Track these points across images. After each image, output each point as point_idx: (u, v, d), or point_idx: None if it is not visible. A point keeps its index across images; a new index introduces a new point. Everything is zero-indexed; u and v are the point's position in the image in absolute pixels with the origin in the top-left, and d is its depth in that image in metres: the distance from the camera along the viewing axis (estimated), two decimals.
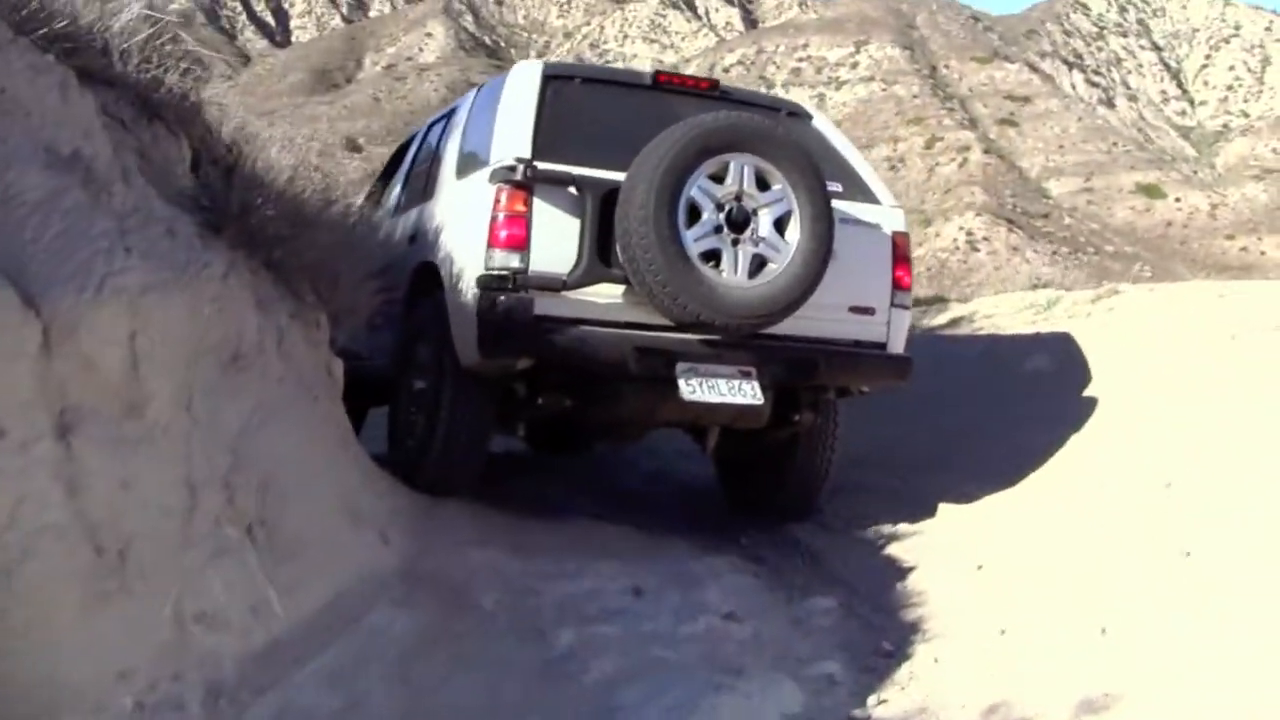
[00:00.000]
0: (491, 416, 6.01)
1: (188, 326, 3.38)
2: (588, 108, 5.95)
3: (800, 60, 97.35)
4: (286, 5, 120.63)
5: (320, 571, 4.00)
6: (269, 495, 3.77)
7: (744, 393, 5.57)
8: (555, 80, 5.93)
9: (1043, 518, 5.66)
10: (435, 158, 6.94)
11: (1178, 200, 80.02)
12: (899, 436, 7.97)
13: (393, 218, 7.29)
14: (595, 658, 4.22)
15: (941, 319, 12.00)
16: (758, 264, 5.47)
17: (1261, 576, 4.08)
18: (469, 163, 6.15)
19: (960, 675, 4.17)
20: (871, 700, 4.11)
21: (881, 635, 4.73)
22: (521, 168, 5.39)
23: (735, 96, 6.44)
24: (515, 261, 5.35)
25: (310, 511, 4.09)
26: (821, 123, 6.60)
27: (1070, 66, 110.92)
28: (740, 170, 5.46)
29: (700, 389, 5.50)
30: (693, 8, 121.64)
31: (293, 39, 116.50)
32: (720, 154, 5.43)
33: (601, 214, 5.42)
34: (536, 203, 5.41)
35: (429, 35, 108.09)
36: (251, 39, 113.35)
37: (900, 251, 6.14)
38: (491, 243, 5.38)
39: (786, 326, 5.65)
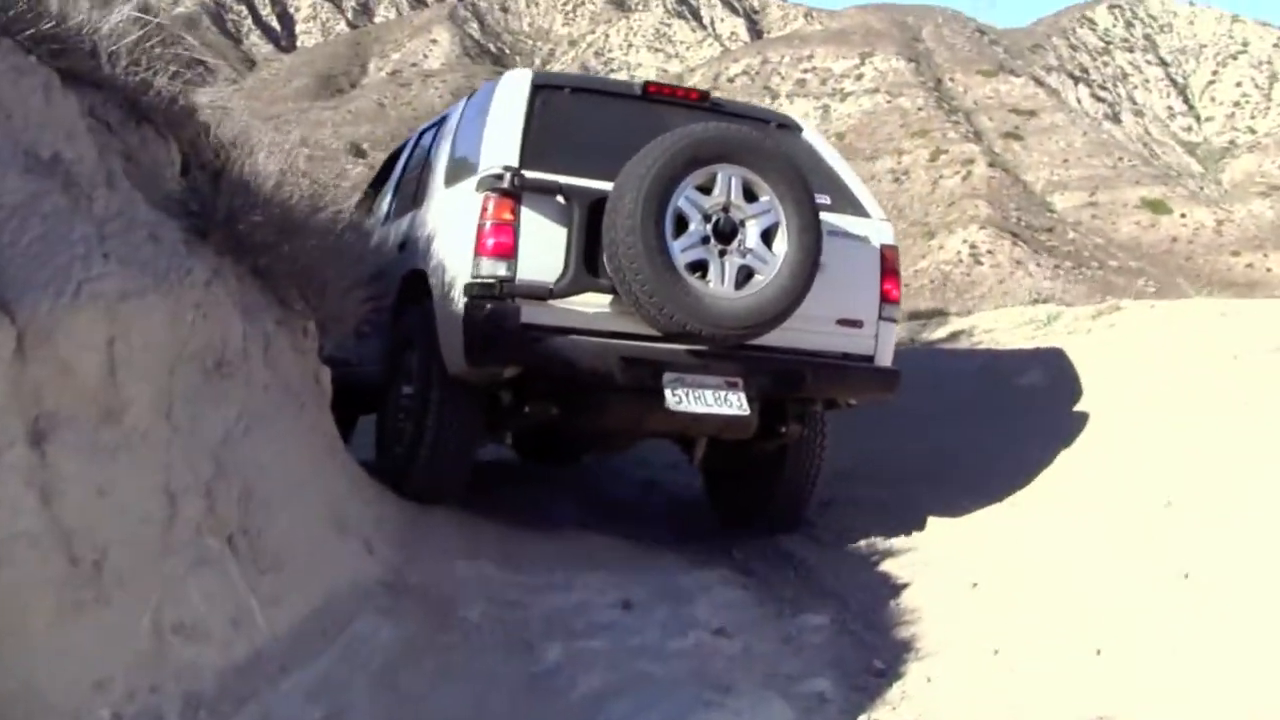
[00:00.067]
0: (479, 424, 6.03)
1: (169, 333, 3.33)
2: (577, 117, 5.98)
3: (805, 71, 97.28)
4: (292, 10, 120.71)
5: (304, 581, 3.95)
6: (252, 504, 3.72)
7: (730, 403, 5.60)
8: (544, 90, 5.97)
9: (1040, 535, 5.62)
10: (425, 165, 6.96)
11: (1183, 216, 79.85)
12: (895, 451, 7.94)
13: (383, 225, 7.32)
14: (583, 672, 4.17)
15: (940, 333, 11.96)
16: (745, 275, 5.50)
17: (1262, 599, 4.05)
18: (458, 171, 6.16)
19: (953, 695, 4.12)
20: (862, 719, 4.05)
21: (873, 653, 4.67)
22: (509, 176, 5.41)
23: (725, 108, 6.47)
24: (502, 270, 5.37)
25: (294, 520, 4.04)
26: (812, 135, 6.62)
27: (1076, 81, 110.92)
28: (728, 181, 5.49)
29: (686, 399, 5.52)
30: (698, 17, 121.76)
31: (298, 44, 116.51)
32: (708, 165, 5.46)
33: (589, 223, 5.45)
34: (524, 211, 5.43)
35: (434, 41, 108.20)
36: (257, 43, 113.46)
37: (889, 264, 6.16)
38: (479, 251, 5.40)
39: (774, 338, 5.67)
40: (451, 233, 5.77)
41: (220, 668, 3.32)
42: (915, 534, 6.27)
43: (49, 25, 3.48)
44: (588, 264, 5.46)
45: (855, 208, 6.23)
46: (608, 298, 5.50)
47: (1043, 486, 6.44)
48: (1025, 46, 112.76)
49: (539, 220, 5.45)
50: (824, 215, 5.73)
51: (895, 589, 5.45)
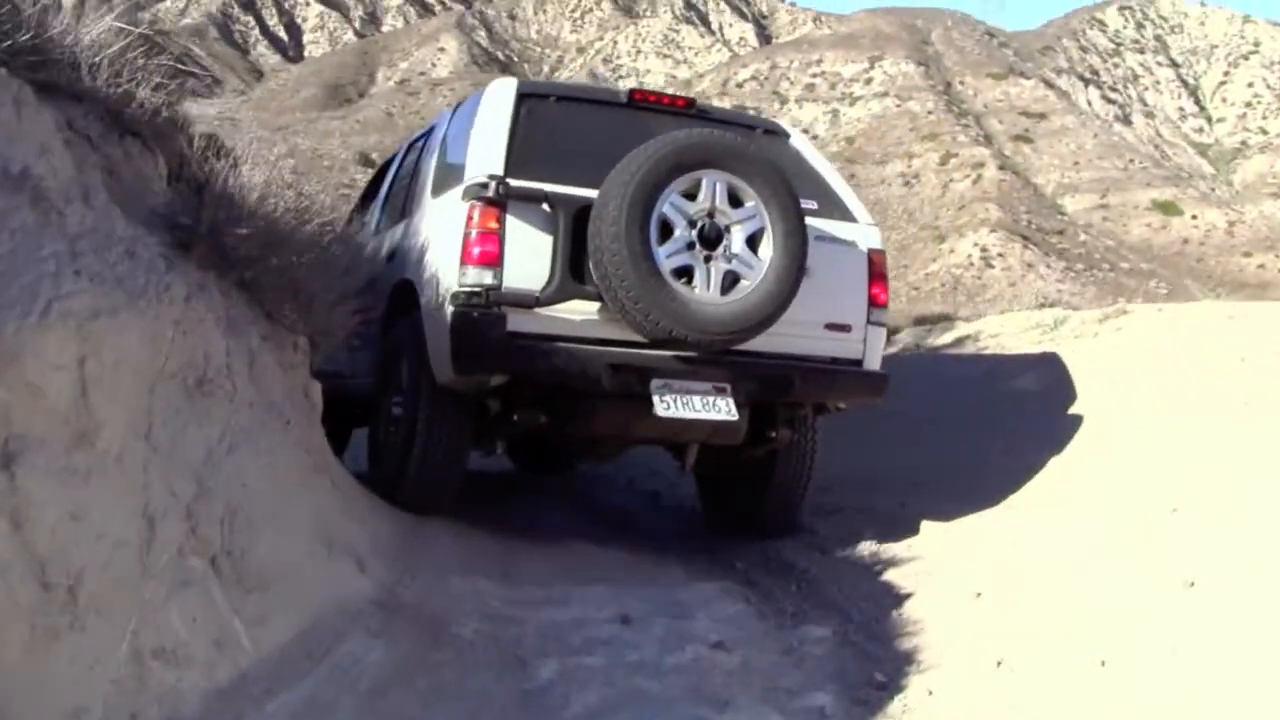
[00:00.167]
0: (468, 433, 6.03)
1: (146, 351, 3.27)
2: (562, 125, 6.00)
3: (814, 76, 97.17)
4: (299, 20, 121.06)
5: (291, 602, 3.89)
6: (236, 523, 3.66)
7: (718, 409, 5.61)
8: (529, 98, 6.00)
9: (1044, 543, 5.56)
10: (413, 176, 7.00)
11: (1194, 217, 79.54)
12: (900, 457, 7.90)
13: (373, 236, 7.33)
14: (577, 689, 4.10)
15: (946, 338, 11.93)
16: (730, 280, 5.51)
17: (1269, 609, 3.97)
18: (444, 181, 6.18)
19: (954, 709, 4.05)
20: None
21: (875, 665, 4.60)
22: (494, 184, 5.42)
23: (712, 115, 6.51)
24: (488, 278, 5.38)
25: (281, 540, 3.98)
26: (799, 141, 6.65)
27: (1086, 83, 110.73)
28: (712, 187, 5.49)
29: (675, 405, 5.53)
30: (706, 23, 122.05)
31: (305, 54, 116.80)
32: (692, 171, 5.46)
33: (575, 231, 5.46)
34: (509, 220, 5.44)
35: (442, 50, 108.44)
36: (264, 54, 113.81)
37: (876, 269, 6.18)
38: (465, 259, 5.41)
39: (761, 343, 5.67)
40: (438, 242, 5.78)
41: (203, 691, 3.27)
42: (919, 542, 6.21)
43: (26, 37, 3.42)
44: (574, 271, 5.46)
45: (842, 212, 6.26)
46: (594, 305, 5.50)
47: (1047, 493, 6.41)
48: (1035, 49, 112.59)
49: (524, 228, 5.46)
50: (811, 220, 5.76)
51: (898, 599, 5.39)
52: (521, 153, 5.66)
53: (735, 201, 5.52)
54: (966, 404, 8.64)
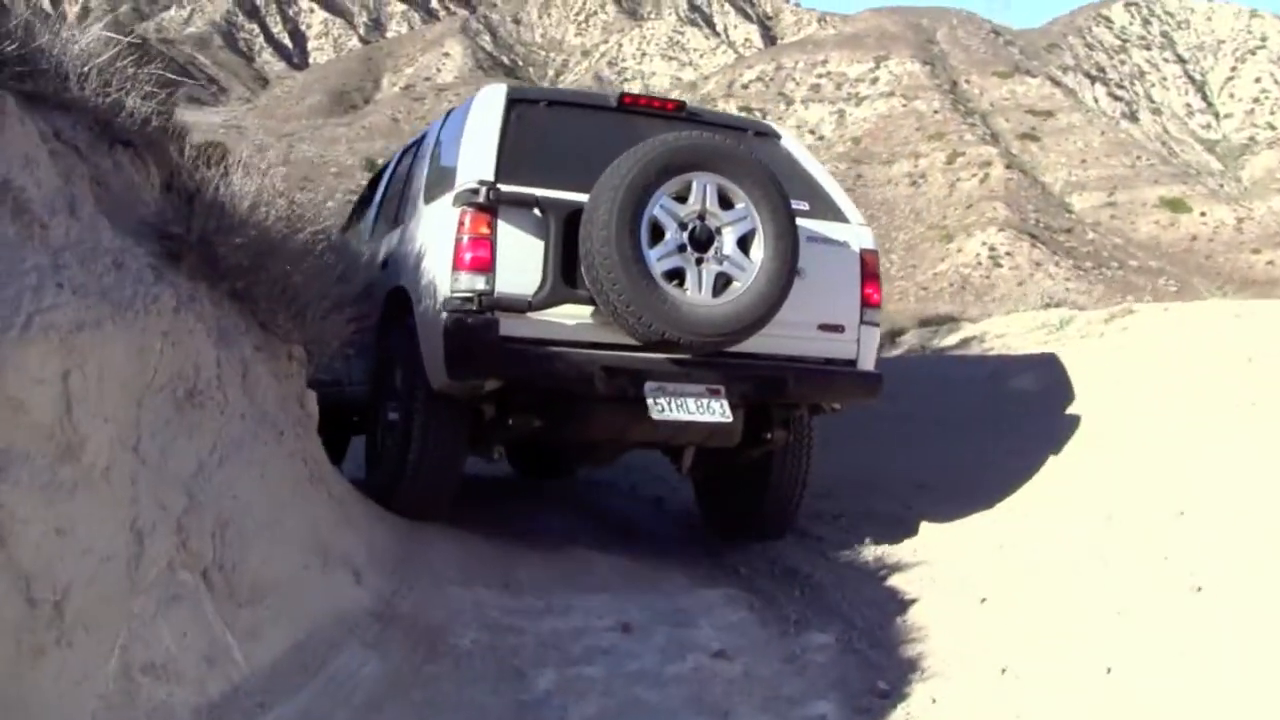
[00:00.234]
0: (463, 439, 6.03)
1: (133, 363, 3.24)
2: (553, 130, 6.02)
3: (820, 76, 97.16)
4: (304, 27, 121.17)
5: (285, 615, 3.85)
6: (228, 536, 3.62)
7: (713, 411, 5.61)
8: (520, 104, 6.02)
9: (1049, 548, 5.52)
10: (407, 182, 7.03)
11: (1203, 214, 79.44)
12: (905, 461, 7.86)
13: (368, 242, 7.37)
14: (575, 701, 4.06)
15: (952, 339, 11.90)
16: (722, 282, 5.52)
17: (1278, 614, 3.92)
18: (436, 187, 6.21)
19: (958, 717, 4.01)
20: None
21: (879, 673, 4.56)
22: (485, 190, 5.44)
23: (702, 117, 6.51)
24: (480, 283, 5.40)
25: (274, 552, 3.94)
26: (790, 142, 6.67)
27: (1093, 80, 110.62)
28: (702, 189, 5.50)
29: (669, 408, 5.54)
30: (711, 25, 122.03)
31: (310, 60, 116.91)
32: (682, 173, 5.47)
33: (566, 235, 5.47)
34: (501, 225, 5.46)
35: (446, 55, 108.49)
36: (269, 61, 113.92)
37: (869, 269, 6.19)
38: (457, 265, 5.43)
39: (755, 344, 5.69)
40: (431, 248, 5.79)
41: (195, 706, 3.23)
42: (924, 547, 6.18)
43: (12, 47, 3.40)
44: (566, 276, 5.48)
45: (834, 213, 6.27)
46: (587, 309, 5.51)
47: (1052, 496, 6.38)
48: (1041, 46, 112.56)
49: (516, 233, 5.48)
50: (803, 221, 5.79)
51: (903, 605, 5.35)
52: (512, 158, 5.67)
53: (726, 203, 5.52)
54: (971, 405, 8.61)
